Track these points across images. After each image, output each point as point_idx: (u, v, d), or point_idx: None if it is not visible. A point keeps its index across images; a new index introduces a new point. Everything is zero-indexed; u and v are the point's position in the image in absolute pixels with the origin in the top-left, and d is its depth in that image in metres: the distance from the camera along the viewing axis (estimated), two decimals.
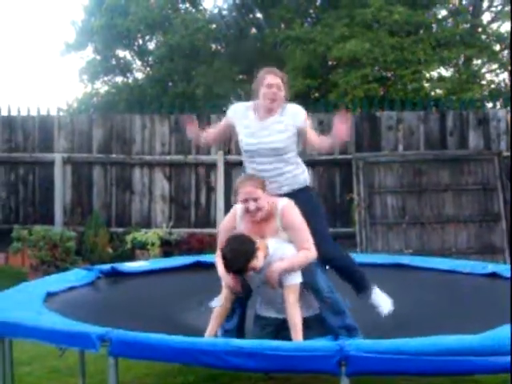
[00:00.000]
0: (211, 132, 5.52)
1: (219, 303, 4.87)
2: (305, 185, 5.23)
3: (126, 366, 5.86)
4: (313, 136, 5.13)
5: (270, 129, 5.09)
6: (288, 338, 4.65)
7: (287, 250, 4.76)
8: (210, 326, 4.86)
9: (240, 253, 4.59)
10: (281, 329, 4.86)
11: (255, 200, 4.73)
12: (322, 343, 3.77)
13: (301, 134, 5.14)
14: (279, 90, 5.10)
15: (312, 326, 4.82)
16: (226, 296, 4.87)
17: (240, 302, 5.05)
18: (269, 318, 5.03)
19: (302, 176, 5.22)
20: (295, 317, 4.67)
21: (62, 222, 12.03)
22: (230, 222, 4.99)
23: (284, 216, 4.80)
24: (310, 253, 4.76)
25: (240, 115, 5.24)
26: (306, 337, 4.64)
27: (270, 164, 5.08)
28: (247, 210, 4.78)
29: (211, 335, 4.82)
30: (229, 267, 4.65)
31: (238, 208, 4.95)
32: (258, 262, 4.63)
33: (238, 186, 4.86)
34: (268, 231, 4.85)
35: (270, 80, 5.09)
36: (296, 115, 5.13)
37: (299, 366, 3.80)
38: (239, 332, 5.14)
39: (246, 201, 4.76)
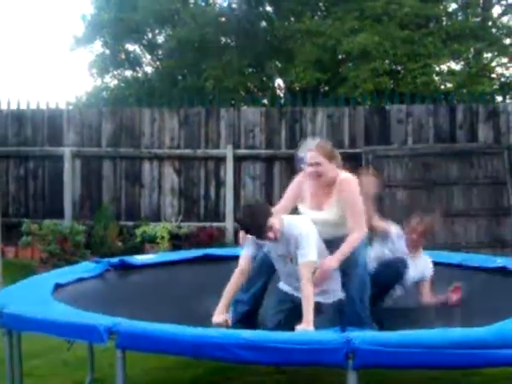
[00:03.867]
0: None
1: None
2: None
3: (135, 358, 5.87)
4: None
5: None
6: (300, 318, 4.64)
7: (301, 222, 4.84)
8: (221, 303, 4.88)
9: (257, 212, 4.74)
10: (295, 308, 4.81)
11: (317, 164, 4.88)
12: (329, 336, 3.76)
13: None
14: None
15: (326, 312, 4.83)
16: (241, 271, 4.94)
17: (262, 274, 5.13)
18: (287, 294, 5.05)
19: None
20: (307, 292, 4.64)
21: (71, 216, 12.06)
22: (292, 190, 5.20)
23: (340, 189, 4.93)
24: (358, 233, 4.88)
25: None
26: (317, 321, 4.61)
27: None
28: (308, 173, 4.96)
29: (221, 311, 4.85)
30: (247, 226, 4.77)
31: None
32: (275, 225, 4.70)
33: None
34: (326, 204, 5.00)
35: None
36: None
37: (307, 359, 3.82)
38: (253, 304, 5.16)
39: (310, 165, 4.94)
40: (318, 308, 4.76)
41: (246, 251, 4.99)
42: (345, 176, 4.99)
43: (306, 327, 4.47)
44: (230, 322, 4.82)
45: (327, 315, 4.83)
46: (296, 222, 4.82)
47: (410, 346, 3.73)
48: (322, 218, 4.95)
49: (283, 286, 5.12)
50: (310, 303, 4.61)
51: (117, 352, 4.01)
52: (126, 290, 5.91)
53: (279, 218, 4.76)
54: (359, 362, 3.69)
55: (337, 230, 4.96)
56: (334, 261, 4.79)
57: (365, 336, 3.74)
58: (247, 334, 3.85)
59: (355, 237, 4.86)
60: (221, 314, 4.86)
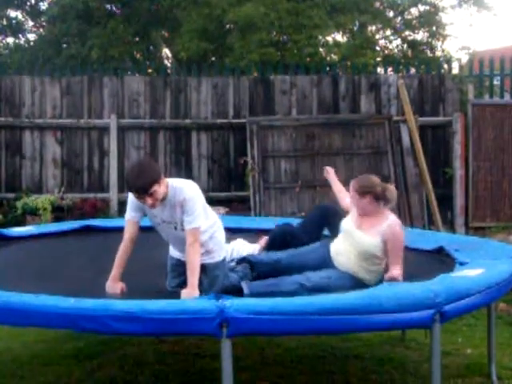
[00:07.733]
0: None
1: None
2: None
3: (15, 332, 5.76)
4: None
5: None
6: None
7: (186, 186, 4.75)
8: (114, 271, 4.82)
9: (145, 170, 4.63)
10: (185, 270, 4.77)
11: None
12: (202, 305, 3.75)
13: None
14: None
15: (208, 273, 4.85)
16: (130, 238, 4.86)
17: None
18: (179, 259, 5.03)
19: None
20: (192, 257, 4.64)
21: None
22: None
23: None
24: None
25: None
26: (200, 282, 4.64)
27: None
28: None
29: (115, 279, 4.80)
30: (131, 184, 4.64)
31: None
32: (161, 189, 4.62)
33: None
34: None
35: None
36: None
37: (180, 329, 3.81)
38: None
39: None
40: (204, 269, 4.77)
41: (130, 217, 4.89)
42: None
43: (191, 291, 4.50)
44: (124, 289, 4.77)
45: (212, 276, 4.88)
46: (181, 186, 4.75)
47: (283, 313, 3.76)
48: None
49: (173, 251, 5.10)
50: (194, 267, 4.61)
51: None
52: (1, 262, 5.75)
53: (164, 183, 4.68)
54: (233, 330, 3.69)
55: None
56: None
57: (238, 304, 3.74)
58: (119, 304, 3.80)
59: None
60: (115, 282, 4.81)
